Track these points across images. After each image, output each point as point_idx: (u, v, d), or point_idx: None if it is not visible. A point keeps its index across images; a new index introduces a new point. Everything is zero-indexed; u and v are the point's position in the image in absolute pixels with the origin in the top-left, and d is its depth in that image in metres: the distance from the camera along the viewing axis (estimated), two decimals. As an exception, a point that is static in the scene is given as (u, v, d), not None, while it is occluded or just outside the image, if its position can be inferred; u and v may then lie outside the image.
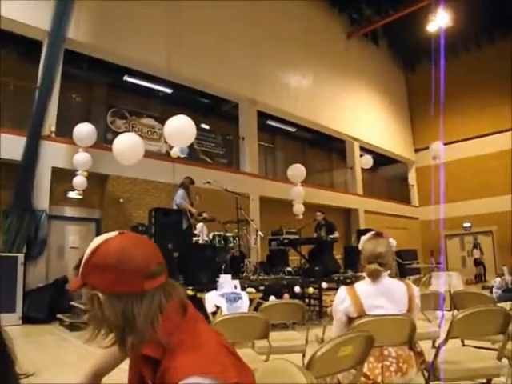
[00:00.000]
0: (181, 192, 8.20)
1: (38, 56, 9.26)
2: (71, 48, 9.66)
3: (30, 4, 8.89)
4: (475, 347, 3.13)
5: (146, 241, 1.14)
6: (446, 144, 15.66)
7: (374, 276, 2.39)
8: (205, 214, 8.82)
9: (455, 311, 3.90)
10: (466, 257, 18.25)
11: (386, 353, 2.29)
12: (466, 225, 18.13)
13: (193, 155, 11.50)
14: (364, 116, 17.72)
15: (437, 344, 2.71)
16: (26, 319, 7.57)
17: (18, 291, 7.66)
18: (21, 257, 7.91)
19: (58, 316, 7.62)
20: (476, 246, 16.70)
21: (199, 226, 8.81)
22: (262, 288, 6.83)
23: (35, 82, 8.94)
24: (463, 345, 3.39)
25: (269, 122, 15.65)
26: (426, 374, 2.58)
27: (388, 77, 20.06)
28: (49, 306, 7.91)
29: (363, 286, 2.44)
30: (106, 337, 1.10)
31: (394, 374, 2.23)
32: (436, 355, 2.57)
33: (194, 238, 8.27)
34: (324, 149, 19.31)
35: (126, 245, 1.06)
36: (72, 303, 7.54)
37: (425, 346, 2.82)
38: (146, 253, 1.07)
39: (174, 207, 8.19)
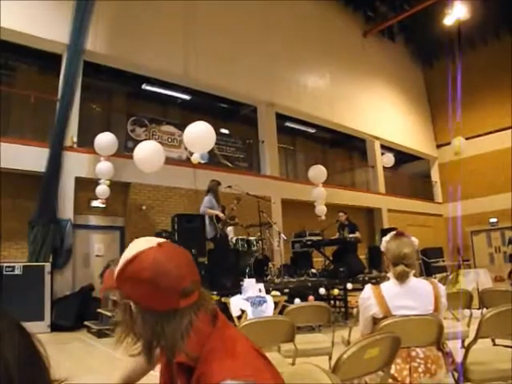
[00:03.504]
0: (206, 199, 8.07)
1: (57, 69, 9.44)
2: (90, 59, 9.82)
3: (48, 19, 9.08)
4: (506, 347, 3.05)
5: (184, 255, 1.11)
6: (467, 139, 15.40)
7: (402, 277, 2.36)
8: (237, 219, 8.76)
9: (484, 310, 3.82)
10: (493, 253, 17.88)
11: (413, 354, 2.25)
12: (493, 220, 17.77)
13: (213, 160, 11.54)
14: (383, 114, 17.55)
15: (466, 344, 2.65)
16: (55, 327, 7.70)
17: (46, 300, 7.80)
18: (47, 266, 8.04)
19: (86, 323, 7.73)
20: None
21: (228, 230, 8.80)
22: (286, 291, 6.81)
23: (56, 95, 9.11)
24: (494, 344, 3.32)
25: (288, 124, 15.61)
26: (456, 374, 2.53)
27: (406, 73, 19.84)
28: (76, 313, 8.03)
29: (389, 286, 2.41)
30: (133, 344, 1.08)
31: (422, 376, 2.19)
32: (465, 355, 2.52)
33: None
34: (344, 148, 19.20)
35: (163, 260, 1.03)
36: (99, 310, 7.65)
37: (454, 346, 2.76)
38: (183, 269, 1.05)
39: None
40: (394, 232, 2.52)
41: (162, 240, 1.11)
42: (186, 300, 1.03)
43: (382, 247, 2.49)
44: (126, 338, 1.08)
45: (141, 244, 1.08)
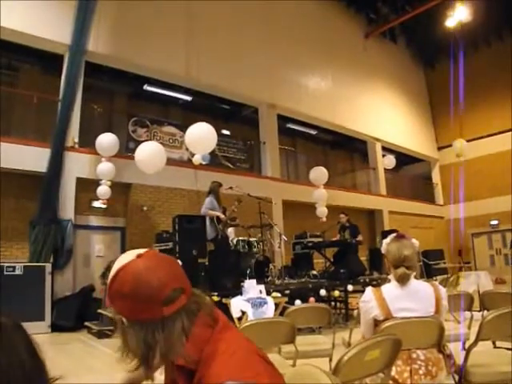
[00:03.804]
0: (207, 200, 8.09)
1: (59, 69, 9.45)
2: (91, 60, 9.84)
3: (50, 19, 9.10)
4: (508, 349, 3.05)
5: (165, 262, 1.12)
6: (469, 141, 15.37)
7: (403, 280, 2.36)
8: (237, 220, 8.72)
9: (485, 312, 3.81)
10: (494, 255, 17.85)
11: (414, 356, 2.25)
12: (494, 222, 17.73)
13: (214, 161, 11.54)
14: (385, 115, 17.55)
15: (467, 346, 2.65)
16: (55, 327, 7.71)
17: (47, 300, 7.81)
18: (48, 266, 8.05)
19: (86, 324, 7.74)
20: None
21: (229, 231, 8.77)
22: (287, 292, 6.79)
23: (58, 95, 9.12)
24: (495, 347, 3.31)
25: (289, 126, 15.62)
26: (457, 377, 2.52)
27: (408, 75, 19.85)
28: (76, 314, 8.03)
29: (390, 289, 2.41)
30: (132, 360, 1.09)
31: (423, 378, 2.19)
32: (466, 358, 2.51)
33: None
34: (346, 150, 19.21)
35: (141, 271, 1.05)
36: (99, 311, 7.64)
37: (454, 348, 2.76)
38: (162, 278, 1.06)
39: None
40: (394, 234, 2.51)
41: (141, 251, 1.12)
42: (170, 307, 1.04)
43: (383, 249, 2.49)
44: (126, 354, 1.09)
45: (122, 260, 1.10)
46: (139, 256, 1.10)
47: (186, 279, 1.13)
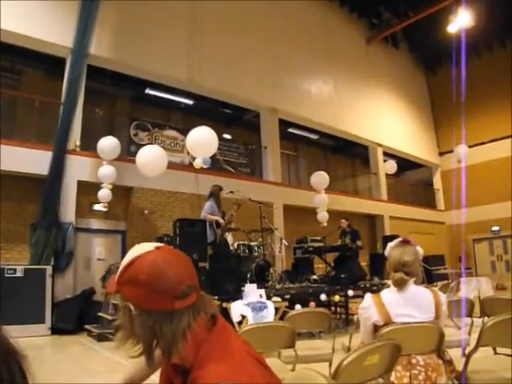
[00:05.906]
0: (207, 204, 8.09)
1: (61, 73, 9.49)
2: (94, 63, 9.87)
3: (53, 23, 9.13)
4: (508, 355, 3.04)
5: (182, 258, 1.14)
6: (471, 146, 15.35)
7: (400, 285, 2.36)
8: (233, 224, 8.67)
9: (485, 318, 3.80)
10: (495, 261, 17.79)
11: (413, 361, 2.24)
12: (495, 228, 17.68)
13: (215, 165, 11.55)
14: (387, 121, 17.56)
15: (467, 352, 2.64)
16: (55, 330, 7.69)
17: (47, 302, 7.80)
18: (49, 269, 8.05)
19: (86, 327, 7.72)
20: None
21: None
22: (287, 297, 6.78)
23: (60, 98, 9.15)
24: (495, 353, 3.30)
25: (291, 130, 15.65)
26: (457, 383, 2.52)
27: (410, 80, 19.87)
28: (77, 316, 8.03)
29: (389, 294, 2.40)
30: (133, 346, 1.11)
31: (422, 383, 2.18)
32: (466, 364, 2.50)
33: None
34: (347, 155, 19.22)
35: (159, 263, 1.06)
36: (99, 314, 7.64)
37: (455, 354, 2.75)
38: (179, 273, 1.07)
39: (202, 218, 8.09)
40: (400, 239, 2.51)
41: (160, 244, 1.14)
42: (182, 302, 1.05)
43: (386, 252, 2.50)
44: (126, 341, 1.11)
45: (139, 248, 1.11)
46: (158, 248, 1.11)
47: (197, 278, 1.14)
